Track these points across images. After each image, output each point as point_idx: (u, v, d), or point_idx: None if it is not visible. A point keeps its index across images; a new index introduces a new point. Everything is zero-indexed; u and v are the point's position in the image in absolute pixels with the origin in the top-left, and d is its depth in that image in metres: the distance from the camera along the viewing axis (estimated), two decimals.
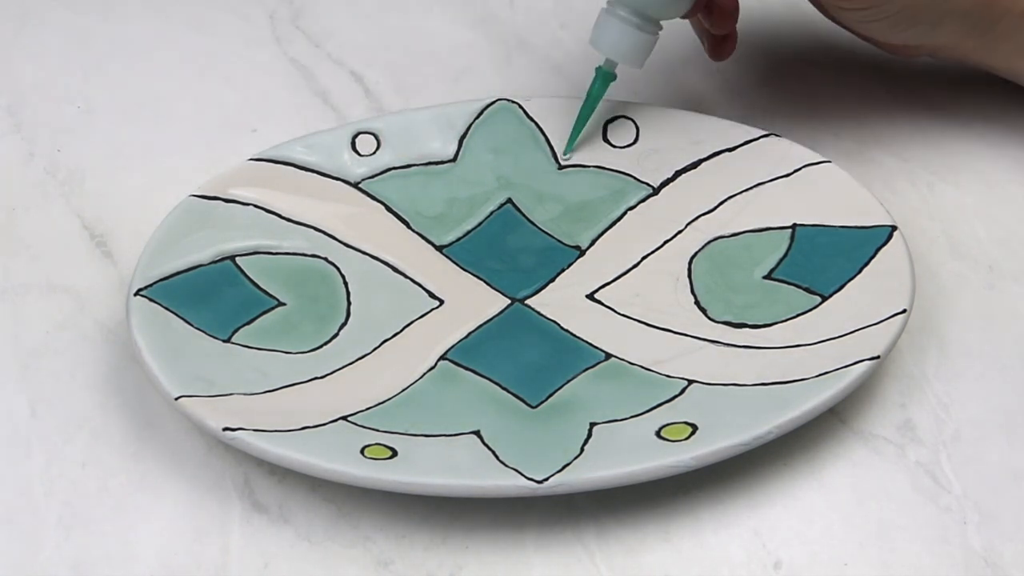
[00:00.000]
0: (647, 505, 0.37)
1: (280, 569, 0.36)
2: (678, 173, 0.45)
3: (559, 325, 0.42)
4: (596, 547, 0.36)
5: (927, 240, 0.45)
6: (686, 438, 0.36)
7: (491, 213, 0.45)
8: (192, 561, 0.36)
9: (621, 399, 0.38)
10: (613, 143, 0.46)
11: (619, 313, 0.42)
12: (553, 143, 0.46)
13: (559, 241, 0.44)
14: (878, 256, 0.41)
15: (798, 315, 0.40)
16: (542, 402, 0.39)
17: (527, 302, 0.42)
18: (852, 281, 0.41)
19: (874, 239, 0.41)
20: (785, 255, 0.42)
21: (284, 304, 0.42)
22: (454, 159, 0.46)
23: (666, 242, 0.44)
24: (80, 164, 0.50)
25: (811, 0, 0.47)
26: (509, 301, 0.43)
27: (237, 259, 0.43)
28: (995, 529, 0.36)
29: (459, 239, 0.45)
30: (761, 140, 0.45)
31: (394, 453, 0.36)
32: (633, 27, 0.44)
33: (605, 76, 0.46)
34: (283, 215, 0.44)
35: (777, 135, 0.45)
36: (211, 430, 0.36)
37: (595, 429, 0.37)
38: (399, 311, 0.42)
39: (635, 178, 0.46)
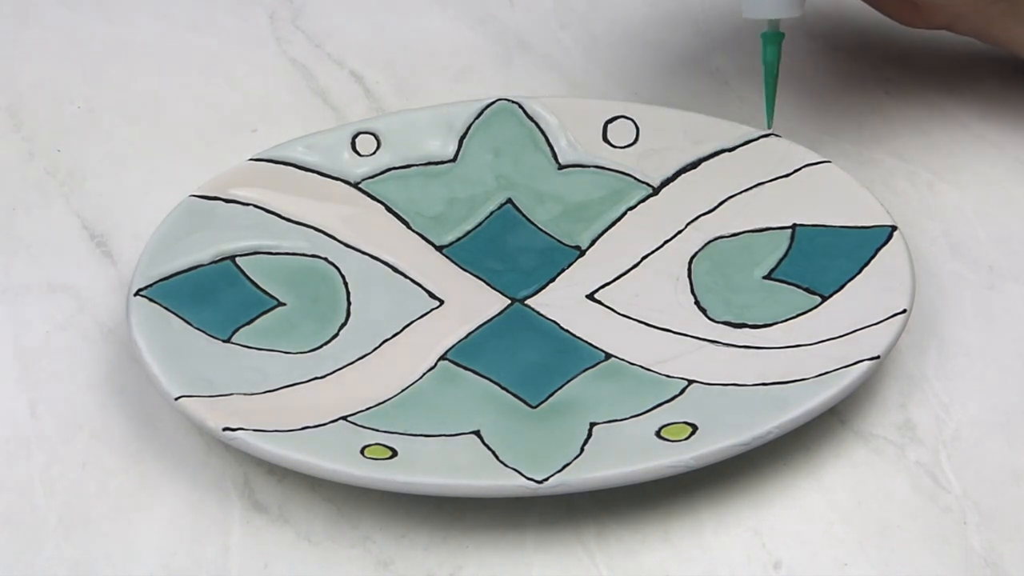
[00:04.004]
0: (647, 505, 0.37)
1: (280, 569, 0.36)
2: (678, 173, 0.45)
3: (559, 325, 0.42)
4: (596, 547, 0.36)
5: (927, 240, 0.45)
6: (686, 438, 0.36)
7: (491, 213, 0.45)
8: (192, 561, 0.36)
9: (621, 399, 0.38)
10: (613, 143, 0.46)
11: (619, 313, 0.42)
12: (553, 143, 0.46)
13: (559, 241, 0.44)
14: (878, 256, 0.41)
15: (798, 315, 0.40)
16: (542, 402, 0.39)
17: (527, 302, 0.42)
18: (852, 281, 0.41)
19: (874, 239, 0.41)
20: (785, 255, 0.42)
21: (284, 304, 0.42)
22: (454, 159, 0.46)
23: (666, 242, 0.44)
24: (80, 164, 0.50)
25: None
26: (509, 301, 0.43)
27: (237, 259, 0.43)
28: (995, 529, 0.36)
29: (459, 239, 0.45)
30: (761, 140, 0.45)
31: (394, 453, 0.36)
32: None
33: (775, 38, 0.44)
34: (283, 215, 0.44)
35: (777, 135, 0.45)
36: (211, 430, 0.36)
37: (595, 429, 0.37)
38: (399, 311, 0.42)
39: (635, 178, 0.46)
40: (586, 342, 0.41)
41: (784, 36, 0.44)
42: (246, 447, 0.36)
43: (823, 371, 0.37)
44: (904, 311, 0.39)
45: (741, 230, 0.44)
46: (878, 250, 0.41)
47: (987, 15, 0.46)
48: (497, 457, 0.36)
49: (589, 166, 0.46)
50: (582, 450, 0.36)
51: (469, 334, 0.41)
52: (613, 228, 0.45)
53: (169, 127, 0.51)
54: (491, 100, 0.47)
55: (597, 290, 0.43)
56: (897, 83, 0.51)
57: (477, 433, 0.37)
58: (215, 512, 0.37)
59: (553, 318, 0.42)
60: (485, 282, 0.43)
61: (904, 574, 0.35)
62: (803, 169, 0.44)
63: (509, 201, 0.46)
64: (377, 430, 0.37)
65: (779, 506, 0.37)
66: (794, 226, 0.43)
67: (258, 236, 0.43)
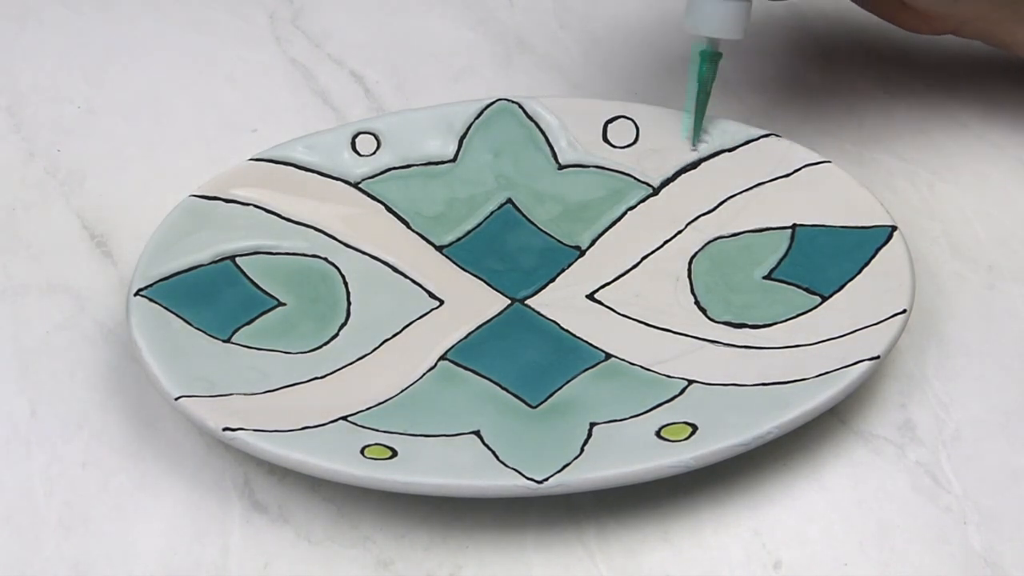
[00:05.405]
0: (647, 505, 0.37)
1: (280, 569, 0.36)
2: (678, 173, 0.45)
3: (559, 325, 0.42)
4: (596, 547, 0.36)
5: (927, 240, 0.45)
6: (686, 438, 0.36)
7: (491, 213, 0.45)
8: (192, 561, 0.36)
9: (621, 399, 0.38)
10: (613, 143, 0.46)
11: (619, 313, 0.42)
12: (553, 143, 0.46)
13: (559, 241, 0.44)
14: (878, 256, 0.41)
15: (798, 315, 0.40)
16: (542, 402, 0.39)
17: (527, 302, 0.42)
18: (852, 281, 0.41)
19: (874, 239, 0.41)
20: (785, 255, 0.42)
21: (284, 304, 0.42)
22: (454, 159, 0.46)
23: (666, 242, 0.44)
24: (80, 164, 0.50)
25: None
26: (509, 301, 0.43)
27: (237, 259, 0.43)
28: (995, 529, 0.36)
29: (459, 239, 0.45)
30: (761, 140, 0.45)
31: (394, 453, 0.36)
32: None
33: (712, 56, 0.44)
34: (283, 215, 0.44)
35: (777, 135, 0.45)
36: (211, 430, 0.36)
37: (595, 429, 0.37)
38: (399, 311, 0.42)
39: (635, 178, 0.46)
40: (586, 342, 0.41)
41: (722, 56, 0.44)
42: (246, 447, 0.36)
43: (823, 371, 0.37)
44: (904, 311, 0.39)
45: (741, 230, 0.44)
46: (878, 250, 0.41)
47: (992, 20, 0.47)
48: (497, 457, 0.36)
49: (589, 166, 0.46)
50: (582, 450, 0.36)
51: (469, 334, 0.41)
52: (613, 228, 0.45)
53: (169, 127, 0.51)
54: (491, 100, 0.47)
55: (597, 290, 0.43)
56: (897, 83, 0.51)
57: (477, 433, 0.37)
58: (215, 512, 0.37)
59: (553, 318, 0.42)
60: (485, 282, 0.43)
61: (904, 574, 0.35)
62: (803, 169, 0.44)
63: (509, 201, 0.46)
64: (377, 430, 0.37)
65: (779, 506, 0.37)
66: (794, 226, 0.43)
67: (258, 236, 0.43)
